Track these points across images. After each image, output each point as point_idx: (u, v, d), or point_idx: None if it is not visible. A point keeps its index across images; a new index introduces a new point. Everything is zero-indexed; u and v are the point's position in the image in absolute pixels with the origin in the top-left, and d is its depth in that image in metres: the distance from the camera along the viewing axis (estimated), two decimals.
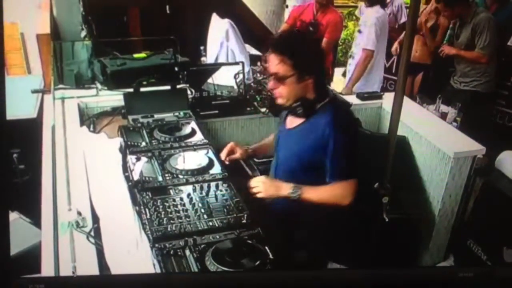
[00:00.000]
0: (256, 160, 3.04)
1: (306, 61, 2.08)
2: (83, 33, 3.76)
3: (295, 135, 2.24)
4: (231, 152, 2.49)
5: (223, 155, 2.48)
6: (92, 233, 1.96)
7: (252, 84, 3.60)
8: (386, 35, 4.46)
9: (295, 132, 2.25)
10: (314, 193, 2.16)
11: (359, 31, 4.33)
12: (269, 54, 2.12)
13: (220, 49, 3.81)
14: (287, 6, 5.51)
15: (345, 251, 2.45)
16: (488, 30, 4.04)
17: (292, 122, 2.27)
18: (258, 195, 2.18)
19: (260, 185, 2.17)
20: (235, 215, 2.10)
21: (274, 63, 2.09)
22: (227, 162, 2.45)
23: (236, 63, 3.50)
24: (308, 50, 2.13)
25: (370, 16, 4.23)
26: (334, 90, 3.66)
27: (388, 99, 3.52)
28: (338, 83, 5.09)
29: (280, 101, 2.18)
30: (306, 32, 2.43)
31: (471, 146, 2.95)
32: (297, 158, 2.21)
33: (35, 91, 3.26)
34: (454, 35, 4.34)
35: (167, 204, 2.13)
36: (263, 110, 3.35)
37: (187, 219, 2.06)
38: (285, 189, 2.17)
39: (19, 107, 3.16)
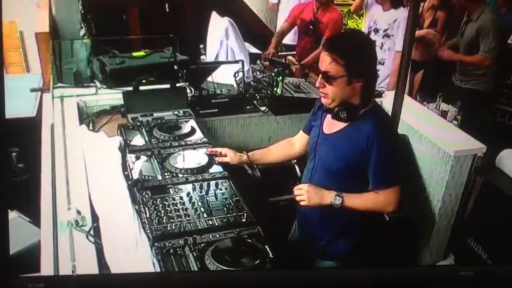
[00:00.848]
0: None
1: (359, 64, 2.01)
2: (82, 32, 3.75)
3: (336, 140, 2.16)
4: (222, 155, 2.46)
5: (210, 150, 2.50)
6: (91, 232, 1.96)
7: (251, 82, 3.59)
8: None
9: (336, 137, 2.16)
10: (357, 200, 2.12)
11: (387, 36, 4.22)
12: (323, 52, 2.04)
13: (219, 48, 3.81)
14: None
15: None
16: (493, 33, 4.04)
17: (332, 127, 2.18)
18: (302, 203, 2.13)
19: (305, 194, 2.11)
20: (234, 214, 2.10)
21: (326, 62, 2.01)
22: (215, 160, 2.46)
23: (236, 62, 3.50)
24: (363, 52, 2.06)
25: (400, 18, 4.13)
26: None
27: (388, 97, 3.51)
28: None
29: (324, 101, 2.10)
30: (362, 33, 2.31)
31: (472, 144, 2.94)
32: (337, 165, 2.14)
33: (34, 90, 3.26)
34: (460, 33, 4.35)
35: (166, 203, 2.13)
36: (262, 108, 3.35)
37: (187, 218, 2.06)
38: (328, 197, 2.10)
39: (18, 106, 3.16)
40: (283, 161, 2.57)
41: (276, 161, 2.52)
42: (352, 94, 2.05)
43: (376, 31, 4.16)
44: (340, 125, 2.13)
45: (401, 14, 4.08)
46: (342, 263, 2.29)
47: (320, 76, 2.05)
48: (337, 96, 2.05)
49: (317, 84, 2.08)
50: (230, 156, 2.44)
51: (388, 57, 4.15)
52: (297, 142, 2.47)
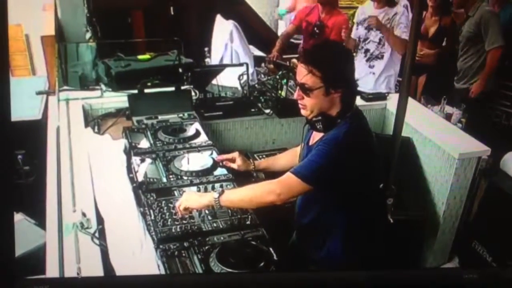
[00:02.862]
0: (259, 160, 3.05)
1: (336, 75, 1.98)
2: (88, 35, 3.77)
3: (314, 151, 2.10)
4: (231, 160, 2.44)
5: (220, 157, 2.47)
6: (96, 234, 1.96)
7: (256, 85, 3.60)
8: None
9: (314, 148, 2.10)
10: (236, 193, 2.09)
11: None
12: (299, 63, 2.03)
13: (224, 51, 3.81)
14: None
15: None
16: (495, 25, 4.02)
17: (314, 137, 2.15)
18: (181, 208, 2.05)
19: (182, 199, 2.07)
20: (239, 216, 2.10)
21: (303, 74, 1.98)
22: (221, 163, 2.45)
23: (240, 65, 3.50)
24: (339, 63, 2.03)
25: (399, 11, 4.13)
26: None
27: (392, 100, 3.51)
28: None
29: (303, 112, 2.08)
30: (338, 43, 2.25)
31: (476, 147, 2.94)
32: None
33: (39, 93, 3.27)
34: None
35: (171, 206, 2.14)
36: (267, 111, 3.34)
37: (192, 220, 2.06)
38: (205, 196, 2.06)
39: (24, 109, 3.17)
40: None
41: (283, 170, 2.35)
42: (331, 104, 2.02)
43: (370, 28, 4.17)
44: (319, 135, 2.09)
45: (399, 8, 4.10)
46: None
47: (298, 88, 2.03)
48: (315, 108, 2.02)
49: (295, 96, 2.06)
50: (238, 164, 2.43)
51: (387, 50, 4.17)
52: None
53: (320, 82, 1.96)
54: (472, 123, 3.66)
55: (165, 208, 2.12)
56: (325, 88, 1.97)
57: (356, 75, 4.31)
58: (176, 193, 2.24)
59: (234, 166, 2.43)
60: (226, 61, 3.80)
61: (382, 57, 4.20)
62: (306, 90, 1.99)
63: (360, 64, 4.34)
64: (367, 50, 4.22)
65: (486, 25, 4.05)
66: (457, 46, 4.55)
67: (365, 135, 2.13)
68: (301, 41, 4.93)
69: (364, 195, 2.08)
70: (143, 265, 1.87)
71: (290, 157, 2.45)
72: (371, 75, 4.26)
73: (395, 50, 4.08)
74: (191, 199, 2.06)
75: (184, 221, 2.05)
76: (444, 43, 4.77)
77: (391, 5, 4.08)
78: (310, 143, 2.16)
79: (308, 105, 2.03)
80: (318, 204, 2.11)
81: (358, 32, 4.29)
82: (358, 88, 4.16)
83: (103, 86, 3.32)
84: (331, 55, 2.04)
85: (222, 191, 2.03)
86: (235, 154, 2.45)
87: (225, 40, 3.78)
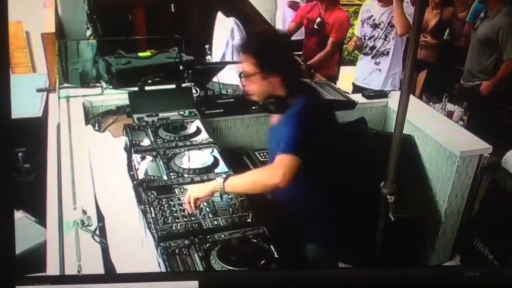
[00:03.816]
0: (260, 158, 3.05)
1: (268, 60, 2.10)
2: (88, 32, 3.76)
3: (273, 132, 2.25)
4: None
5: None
6: (97, 232, 1.96)
7: None
8: None
9: (273, 129, 2.26)
10: (239, 178, 2.10)
11: (392, 26, 4.20)
12: (239, 53, 2.19)
13: (225, 48, 3.81)
14: None
15: (351, 250, 2.44)
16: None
17: (272, 119, 2.28)
18: (189, 201, 2.06)
19: (187, 193, 2.09)
20: (240, 214, 2.10)
21: (242, 62, 2.15)
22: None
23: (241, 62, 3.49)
24: (271, 49, 2.15)
25: (410, 11, 4.13)
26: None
27: (394, 97, 3.51)
28: (344, 82, 5.05)
29: (252, 97, 2.21)
30: (272, 31, 2.42)
31: (478, 145, 2.93)
32: (272, 156, 2.13)
33: (40, 90, 3.26)
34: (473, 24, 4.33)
35: (172, 203, 2.13)
36: None
37: (192, 218, 2.06)
38: (210, 185, 2.08)
39: (24, 106, 3.16)
40: None
41: None
42: (273, 87, 2.14)
43: (376, 26, 4.15)
44: (277, 117, 2.21)
45: (409, 7, 4.07)
46: (323, 245, 2.28)
47: (241, 76, 2.17)
48: (258, 92, 2.16)
49: (239, 85, 2.24)
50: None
51: (393, 46, 4.16)
52: None
53: (255, 68, 2.10)
54: (473, 121, 3.66)
55: (166, 205, 2.12)
56: (261, 73, 2.10)
57: (363, 73, 4.31)
58: (176, 190, 2.23)
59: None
60: (227, 58, 3.79)
61: (387, 53, 4.19)
62: (246, 76, 2.14)
63: (365, 61, 4.34)
64: (373, 47, 4.22)
65: (506, 34, 4.01)
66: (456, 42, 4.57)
67: (322, 104, 2.33)
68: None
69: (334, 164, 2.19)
70: (143, 262, 1.87)
71: None
72: (378, 71, 4.25)
73: (398, 28, 4.04)
74: (196, 189, 2.09)
75: (185, 219, 2.05)
76: (445, 37, 4.77)
77: None
78: (270, 125, 2.30)
79: (252, 90, 2.17)
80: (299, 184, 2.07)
81: (363, 30, 4.28)
82: (366, 85, 4.19)
83: (103, 84, 3.31)
84: (261, 42, 2.18)
85: (227, 177, 2.07)
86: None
87: (226, 37, 3.78)
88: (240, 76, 2.17)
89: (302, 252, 2.31)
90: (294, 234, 2.28)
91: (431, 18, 4.67)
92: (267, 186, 2.01)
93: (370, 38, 4.22)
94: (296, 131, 2.01)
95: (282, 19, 5.61)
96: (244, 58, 2.13)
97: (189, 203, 2.06)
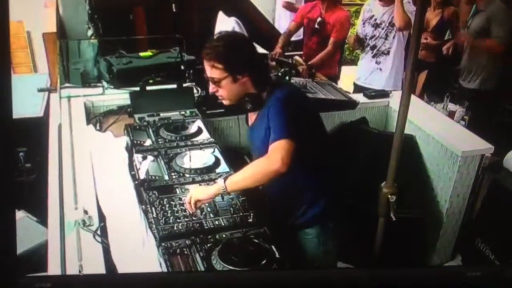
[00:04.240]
0: None
1: (235, 63, 2.13)
2: (90, 32, 3.77)
3: (254, 130, 2.28)
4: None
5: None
6: (98, 232, 1.96)
7: None
8: None
9: (254, 127, 2.30)
10: (239, 174, 2.09)
11: (393, 25, 4.17)
12: (204, 61, 2.17)
13: None
14: None
15: (352, 250, 2.43)
16: (506, 20, 4.00)
17: (251, 118, 2.34)
18: (186, 206, 2.07)
19: (189, 195, 2.08)
20: (241, 214, 2.10)
21: (208, 69, 2.15)
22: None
23: None
24: (236, 52, 2.15)
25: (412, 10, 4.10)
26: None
27: (395, 97, 3.51)
28: (345, 81, 5.05)
29: (224, 102, 2.24)
30: (232, 34, 2.40)
31: (479, 145, 2.93)
32: (260, 152, 2.14)
33: (41, 90, 3.27)
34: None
35: (173, 203, 2.13)
36: None
37: (194, 218, 2.06)
38: (214, 187, 2.07)
39: (26, 106, 3.17)
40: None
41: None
42: (244, 88, 2.18)
43: (377, 25, 4.14)
44: (254, 115, 2.28)
45: (410, 6, 4.06)
46: (320, 229, 2.31)
47: (210, 82, 2.18)
48: (230, 95, 2.19)
49: (210, 90, 2.21)
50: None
51: (394, 44, 4.15)
52: None
53: (224, 72, 2.12)
54: (475, 121, 3.65)
55: (167, 205, 2.11)
56: (230, 76, 2.13)
57: (364, 73, 4.30)
58: (178, 190, 2.23)
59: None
60: None
61: (388, 52, 4.19)
62: (216, 82, 2.15)
63: (366, 61, 4.34)
64: (374, 47, 4.21)
65: (495, 19, 4.02)
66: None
67: (296, 88, 2.49)
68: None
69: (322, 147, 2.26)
70: (145, 262, 1.87)
71: None
72: (378, 71, 4.25)
73: (397, 22, 4.02)
74: (199, 191, 2.09)
75: (186, 219, 2.05)
76: (446, 37, 4.77)
77: None
78: (250, 124, 2.34)
79: (224, 95, 2.19)
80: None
81: (365, 29, 4.27)
82: (367, 85, 4.19)
83: (104, 83, 3.31)
84: (225, 46, 2.14)
85: (226, 177, 2.08)
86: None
87: None
88: (208, 82, 2.18)
89: (301, 241, 2.35)
90: (291, 222, 2.32)
91: (432, 17, 4.67)
92: (268, 174, 2.01)
93: (371, 37, 4.22)
94: (283, 116, 2.06)
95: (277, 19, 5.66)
96: (210, 64, 2.13)
97: (190, 203, 2.06)
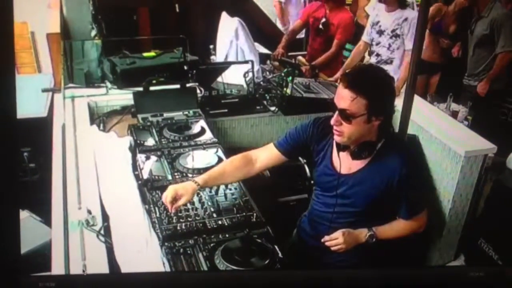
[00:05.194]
0: None
1: (381, 102, 1.91)
2: (93, 32, 3.78)
3: (361, 179, 2.05)
4: (175, 200, 2.02)
5: (170, 209, 2.03)
6: (102, 232, 1.97)
7: (261, 82, 3.59)
8: None
9: (360, 176, 2.05)
10: (390, 232, 2.12)
11: (396, 36, 4.16)
12: (342, 88, 1.90)
13: (229, 48, 3.81)
14: None
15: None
16: (508, 28, 4.00)
17: (350, 166, 2.06)
18: (340, 251, 2.05)
19: (342, 242, 2.04)
20: (244, 214, 2.10)
21: (347, 99, 1.88)
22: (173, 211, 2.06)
23: (246, 62, 3.50)
24: (386, 90, 1.95)
25: (410, 17, 4.06)
26: None
27: (398, 97, 3.50)
28: None
29: (338, 139, 1.98)
30: (381, 68, 2.12)
31: (482, 145, 2.92)
32: (365, 203, 2.05)
33: (45, 90, 3.27)
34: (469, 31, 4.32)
35: None
36: (272, 108, 3.35)
37: (197, 218, 2.07)
38: (362, 236, 2.08)
39: (30, 106, 3.17)
40: (239, 180, 2.29)
41: (232, 182, 2.28)
42: (369, 132, 1.96)
43: (381, 32, 4.11)
44: (360, 163, 2.04)
45: (411, 13, 4.03)
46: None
47: (337, 113, 1.93)
48: (353, 135, 1.95)
49: (332, 122, 1.95)
50: (186, 198, 2.02)
51: (396, 56, 4.13)
52: (262, 158, 2.22)
53: (364, 109, 1.88)
54: (478, 121, 3.65)
55: None
56: (367, 115, 1.90)
57: None
58: None
59: (183, 201, 2.03)
60: (232, 58, 3.80)
61: (391, 62, 4.17)
62: (348, 116, 1.90)
63: None
64: (378, 55, 4.20)
65: (499, 27, 4.02)
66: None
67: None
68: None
69: None
70: (148, 262, 1.87)
71: (240, 167, 2.19)
72: None
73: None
74: (353, 241, 2.07)
75: (189, 219, 2.05)
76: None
77: (402, 7, 4.02)
78: (345, 172, 2.08)
79: (346, 132, 1.94)
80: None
81: (371, 34, 4.25)
82: None
83: (108, 84, 3.33)
84: (378, 82, 1.94)
85: (375, 234, 2.09)
86: (172, 193, 2.02)
87: (230, 37, 3.78)
88: (339, 114, 1.92)
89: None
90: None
91: (451, 22, 4.67)
92: (411, 233, 2.17)
93: (377, 44, 4.20)
94: (422, 188, 2.16)
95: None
96: (352, 95, 1.87)
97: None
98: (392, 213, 2.12)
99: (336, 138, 1.99)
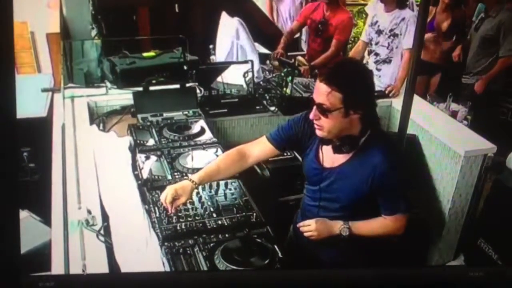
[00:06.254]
0: None
1: (357, 95, 1.90)
2: (93, 32, 3.78)
3: (343, 173, 2.04)
4: (175, 199, 2.03)
5: (170, 209, 2.04)
6: (101, 232, 1.97)
7: (261, 82, 3.59)
8: None
9: (342, 171, 2.04)
10: (365, 228, 2.08)
11: (395, 35, 4.15)
12: (319, 82, 1.91)
13: (230, 48, 3.81)
14: None
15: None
16: None
17: (334, 160, 2.06)
18: (312, 238, 2.08)
19: (314, 230, 2.06)
20: (244, 213, 2.10)
21: (322, 93, 1.88)
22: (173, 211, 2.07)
23: (246, 62, 3.50)
24: (361, 84, 1.94)
25: (408, 17, 4.06)
26: None
27: (398, 97, 3.51)
28: None
29: (319, 133, 1.98)
30: (360, 63, 2.08)
31: (482, 144, 2.93)
32: (348, 197, 2.05)
33: (45, 90, 3.27)
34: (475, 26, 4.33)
35: None
36: (272, 108, 3.35)
37: (196, 217, 2.07)
38: (336, 228, 2.07)
39: (29, 106, 3.17)
40: (234, 175, 2.30)
41: (227, 178, 2.28)
42: (349, 125, 1.95)
43: (380, 32, 4.12)
44: (342, 157, 2.03)
45: (408, 13, 4.04)
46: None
47: (315, 107, 1.93)
48: (332, 129, 1.94)
49: (311, 116, 1.96)
50: (185, 196, 2.03)
51: (395, 55, 4.13)
52: (255, 152, 2.23)
53: (339, 103, 1.88)
54: (478, 121, 3.65)
55: None
56: (344, 109, 1.89)
57: None
58: None
59: (183, 200, 2.04)
60: (232, 58, 3.80)
61: (390, 61, 4.17)
62: (324, 111, 1.90)
63: (369, 67, 4.32)
64: (376, 54, 4.20)
65: (506, 30, 4.01)
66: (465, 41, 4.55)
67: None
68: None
69: None
70: (148, 262, 1.87)
71: (233, 162, 2.19)
72: (377, 77, 4.23)
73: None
74: (325, 231, 2.08)
75: (189, 218, 2.05)
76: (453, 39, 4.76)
77: (401, 7, 4.02)
78: (328, 166, 2.08)
79: (325, 126, 1.94)
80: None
81: (370, 34, 4.26)
82: None
83: (108, 84, 3.33)
84: (354, 75, 1.95)
85: (349, 228, 2.06)
86: (172, 192, 2.03)
87: (230, 37, 3.78)
88: (317, 108, 1.92)
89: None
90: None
91: (443, 20, 4.66)
92: (387, 234, 2.11)
93: (376, 43, 4.20)
94: (404, 186, 2.05)
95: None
96: (327, 89, 1.87)
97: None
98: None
99: (317, 132, 1.99)
